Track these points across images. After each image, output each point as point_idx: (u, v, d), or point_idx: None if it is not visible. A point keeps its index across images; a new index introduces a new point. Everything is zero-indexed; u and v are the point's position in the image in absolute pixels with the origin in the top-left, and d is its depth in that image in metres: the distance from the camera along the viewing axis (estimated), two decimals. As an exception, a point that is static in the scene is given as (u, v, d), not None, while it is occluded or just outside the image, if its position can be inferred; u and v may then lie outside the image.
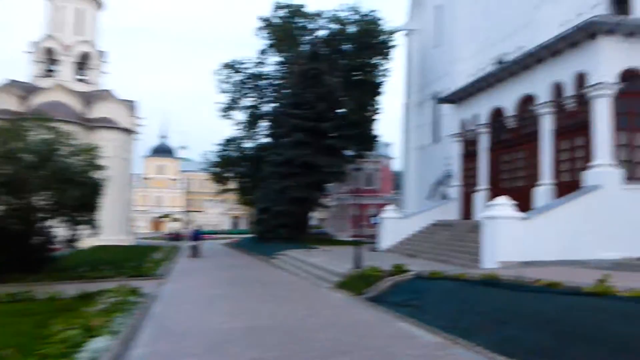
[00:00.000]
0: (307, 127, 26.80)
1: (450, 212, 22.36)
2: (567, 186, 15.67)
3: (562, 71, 15.81)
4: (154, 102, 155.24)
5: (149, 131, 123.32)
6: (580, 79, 15.23)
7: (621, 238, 13.65)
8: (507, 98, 18.80)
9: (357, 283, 11.29)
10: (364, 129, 36.78)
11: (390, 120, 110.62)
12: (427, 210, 22.95)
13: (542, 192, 16.27)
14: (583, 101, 15.19)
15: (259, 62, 41.07)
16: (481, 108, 20.59)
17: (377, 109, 41.34)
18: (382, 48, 38.85)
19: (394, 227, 21.88)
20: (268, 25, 39.11)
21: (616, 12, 18.73)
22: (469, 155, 22.00)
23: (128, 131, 44.88)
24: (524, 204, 17.30)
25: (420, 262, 15.66)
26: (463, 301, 7.93)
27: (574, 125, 15.57)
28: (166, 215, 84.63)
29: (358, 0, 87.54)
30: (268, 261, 21.12)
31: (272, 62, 41.92)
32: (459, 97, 22.28)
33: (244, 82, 41.04)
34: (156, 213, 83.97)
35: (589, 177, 14.21)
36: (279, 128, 28.96)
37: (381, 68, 39.92)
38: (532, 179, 17.38)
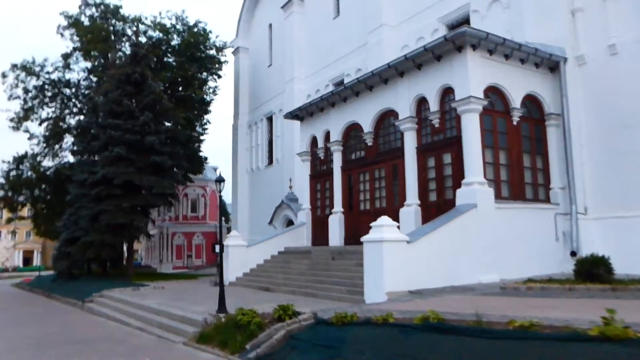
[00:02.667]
0: (130, 140, 22.49)
1: (300, 238, 20.32)
2: (435, 206, 14.76)
3: (427, 85, 15.01)
4: None
5: None
6: (445, 94, 14.60)
7: (497, 260, 12.96)
8: (364, 113, 17.59)
9: (228, 335, 8.24)
10: (190, 149, 33.21)
11: (217, 143, 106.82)
12: (273, 237, 20.55)
13: (409, 213, 15.12)
14: (449, 117, 14.54)
15: (64, 67, 34.82)
16: (334, 124, 19.13)
17: (205, 129, 38.24)
18: (210, 63, 36.07)
19: (240, 256, 18.99)
20: (74, 24, 33.42)
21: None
22: (319, 175, 20.35)
23: None
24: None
25: (283, 298, 13.11)
26: None
27: (440, 142, 14.80)
28: None
29: (185, 10, 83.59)
30: (81, 306, 16.33)
31: (80, 69, 36.06)
32: (308, 113, 20.59)
33: (44, 89, 34.32)
34: None
35: (462, 195, 13.33)
36: (92, 141, 23.94)
37: (210, 85, 37.10)
38: (395, 199, 16.26)
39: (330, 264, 15.56)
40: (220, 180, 12.15)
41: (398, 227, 12.01)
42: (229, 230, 50.66)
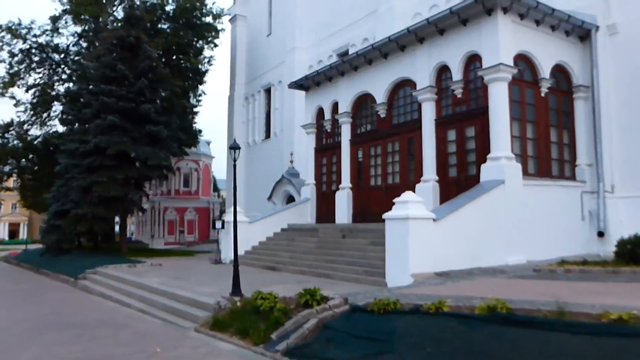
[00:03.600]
0: (124, 108, 21.15)
1: (304, 215, 19.35)
2: (455, 183, 13.83)
3: (450, 52, 13.91)
4: None
5: None
6: (470, 62, 13.54)
7: (524, 240, 12.13)
8: (377, 83, 16.47)
9: (248, 322, 7.27)
10: (185, 120, 31.81)
11: (209, 116, 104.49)
12: (276, 214, 19.55)
13: (426, 189, 14.14)
14: (474, 86, 13.51)
15: (52, 31, 33.00)
16: (343, 95, 18.00)
17: (199, 100, 36.82)
18: (207, 31, 34.45)
19: (242, 233, 17.90)
20: (62, -18, 31.51)
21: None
22: (325, 149, 19.30)
23: None
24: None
25: (293, 279, 12.23)
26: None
27: (463, 114, 13.79)
28: None
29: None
30: (74, 284, 15.26)
31: (70, 33, 34.30)
32: (315, 83, 19.40)
33: (31, 53, 32.55)
34: None
35: (488, 170, 12.37)
36: (83, 109, 22.55)
37: (205, 55, 35.53)
38: (411, 175, 15.30)
39: (340, 243, 14.63)
40: (235, 147, 11.10)
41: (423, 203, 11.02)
42: (221, 207, 49.77)
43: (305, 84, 20.00)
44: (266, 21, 33.70)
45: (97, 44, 25.92)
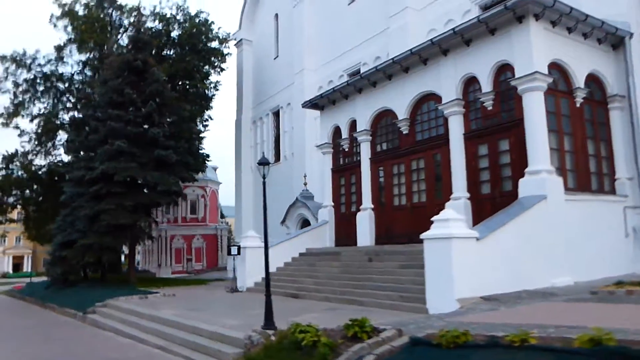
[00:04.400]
0: (132, 133, 20.49)
1: (323, 238, 18.46)
2: (489, 199, 12.98)
3: (477, 62, 13.21)
4: None
5: None
6: (500, 72, 12.83)
7: (568, 260, 11.21)
8: (398, 98, 15.78)
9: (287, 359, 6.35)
10: (192, 145, 31.16)
11: (215, 142, 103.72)
12: (292, 238, 18.66)
13: (457, 207, 13.20)
14: (505, 98, 12.77)
15: (57, 59, 32.70)
16: (361, 112, 17.30)
17: (206, 125, 36.31)
18: (212, 56, 34.16)
19: (258, 259, 17.03)
20: (68, 13, 31.34)
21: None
22: (343, 169, 18.51)
23: None
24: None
25: (322, 306, 11.31)
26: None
27: (494, 127, 13.01)
28: None
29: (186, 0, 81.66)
30: (83, 318, 14.28)
31: (75, 62, 33.96)
32: (330, 101, 18.74)
33: (36, 83, 32.16)
34: None
35: (527, 185, 11.53)
36: (90, 135, 21.89)
37: (211, 80, 35.18)
38: (438, 193, 14.45)
39: (367, 266, 13.72)
40: (264, 162, 10.27)
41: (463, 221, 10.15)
42: (229, 233, 48.81)
43: (320, 103, 19.34)
44: (273, 44, 33.32)
45: (103, 70, 25.40)
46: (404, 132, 15.66)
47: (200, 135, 33.94)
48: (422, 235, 10.03)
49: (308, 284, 14.30)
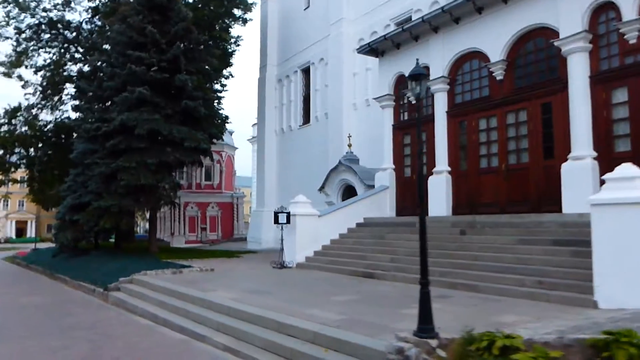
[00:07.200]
0: (155, 79, 17.47)
1: (382, 206, 15.65)
2: (628, 159, 10.04)
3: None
4: None
5: None
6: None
7: None
8: (491, 36, 12.74)
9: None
10: (210, 106, 28.18)
11: (229, 104, 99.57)
12: (345, 206, 15.82)
13: (581, 170, 10.43)
14: (657, 27, 9.77)
15: (64, 5, 29.40)
16: (436, 55, 14.29)
17: (224, 85, 33.16)
18: (235, 6, 30.83)
19: (310, 229, 14.33)
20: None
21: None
22: (408, 125, 15.59)
23: None
24: (542, 189, 11.44)
25: (453, 296, 8.51)
26: None
27: (638, 67, 10.03)
28: None
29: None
30: (104, 296, 11.54)
31: (83, 8, 30.68)
32: (394, 44, 15.68)
33: (40, 30, 28.92)
34: None
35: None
36: (105, 82, 18.86)
37: (232, 34, 31.91)
38: (548, 152, 11.56)
39: (462, 241, 10.94)
40: (419, 74, 7.09)
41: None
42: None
43: (379, 48, 16.27)
44: (303, -7, 29.91)
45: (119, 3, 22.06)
46: (498, 78, 12.67)
47: (220, 94, 31.00)
48: (591, 199, 7.17)
49: (382, 260, 11.55)
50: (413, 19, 18.33)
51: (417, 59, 7.21)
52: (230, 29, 31.51)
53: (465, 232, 11.25)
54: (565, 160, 10.84)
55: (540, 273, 8.28)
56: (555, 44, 11.19)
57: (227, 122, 32.03)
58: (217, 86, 31.63)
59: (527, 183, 11.88)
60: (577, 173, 10.51)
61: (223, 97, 31.39)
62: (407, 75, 14.65)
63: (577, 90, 10.81)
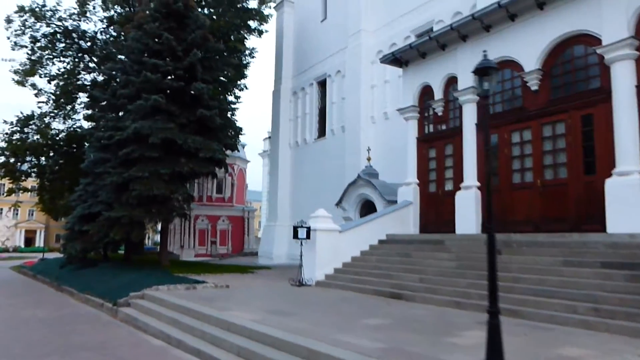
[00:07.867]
0: (170, 87, 16.99)
1: (405, 222, 14.93)
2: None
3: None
4: None
5: None
6: None
7: None
8: (525, 44, 12.11)
9: None
10: (226, 116, 27.69)
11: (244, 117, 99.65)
12: (368, 222, 15.06)
13: (628, 187, 9.67)
14: None
15: (79, 15, 29.25)
16: (464, 65, 13.63)
17: (238, 97, 32.81)
18: (250, 18, 30.55)
19: (331, 245, 13.60)
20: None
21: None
22: (434, 138, 14.92)
23: None
24: (582, 206, 10.66)
25: (465, 317, 7.80)
26: None
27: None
28: None
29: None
30: (113, 312, 10.86)
31: (99, 18, 30.53)
32: (419, 54, 15.08)
33: (55, 39, 28.73)
34: None
35: None
36: (120, 90, 18.39)
37: (247, 45, 31.62)
38: (589, 167, 10.81)
39: (500, 261, 9.98)
40: (488, 67, 6.54)
41: None
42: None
43: (403, 57, 15.69)
44: (320, 4, 29.54)
45: (137, 5, 21.64)
46: (533, 89, 11.99)
47: (233, 106, 30.56)
48: None
49: (410, 280, 10.78)
50: (434, 30, 17.77)
51: (485, 51, 6.51)
52: (245, 40, 31.24)
53: (500, 251, 10.46)
54: (609, 175, 10.09)
55: (593, 299, 7.50)
56: (598, 51, 10.51)
57: (241, 134, 31.59)
58: (231, 98, 31.30)
59: (565, 200, 11.12)
60: (624, 190, 9.75)
61: (237, 108, 30.83)
62: (433, 85, 14.17)
63: (622, 100, 10.10)
